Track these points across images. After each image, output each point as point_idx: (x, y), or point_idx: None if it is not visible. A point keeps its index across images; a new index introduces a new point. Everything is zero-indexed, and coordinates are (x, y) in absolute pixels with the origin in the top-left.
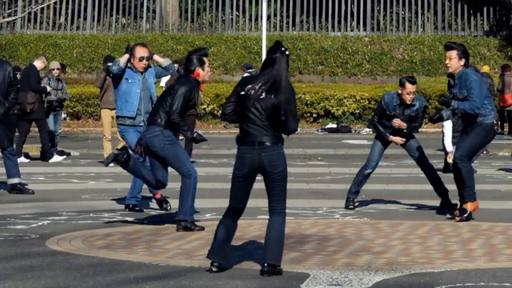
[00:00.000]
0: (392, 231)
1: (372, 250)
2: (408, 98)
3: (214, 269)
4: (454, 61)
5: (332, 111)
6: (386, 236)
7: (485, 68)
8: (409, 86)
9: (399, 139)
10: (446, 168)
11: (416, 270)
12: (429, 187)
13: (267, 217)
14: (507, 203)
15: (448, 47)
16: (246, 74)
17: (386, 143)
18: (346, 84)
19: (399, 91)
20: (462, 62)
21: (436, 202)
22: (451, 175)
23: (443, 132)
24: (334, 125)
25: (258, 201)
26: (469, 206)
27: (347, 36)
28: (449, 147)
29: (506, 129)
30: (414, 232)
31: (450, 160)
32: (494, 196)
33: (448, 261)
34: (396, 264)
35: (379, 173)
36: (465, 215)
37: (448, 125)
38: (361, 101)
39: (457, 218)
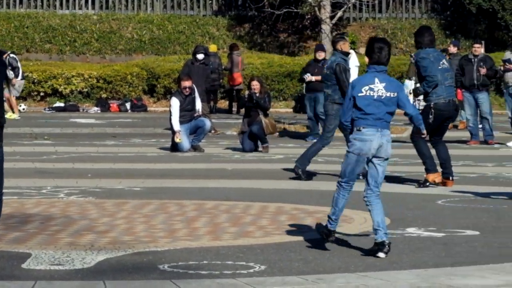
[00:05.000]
0: (117, 210)
1: (96, 229)
2: None
3: None
4: None
5: (60, 89)
6: (111, 215)
7: (212, 47)
8: None
9: None
10: (174, 147)
11: (139, 249)
12: (157, 166)
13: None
14: (233, 181)
15: None
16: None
17: None
18: (74, 63)
19: None
20: None
21: (161, 182)
22: (179, 153)
23: (170, 112)
24: (62, 104)
25: None
26: (430, 177)
27: (76, 14)
28: (177, 126)
29: (234, 108)
30: (138, 211)
31: (178, 140)
32: (221, 175)
33: (172, 239)
34: (119, 243)
35: (106, 152)
36: (423, 184)
37: (175, 105)
38: (90, 79)
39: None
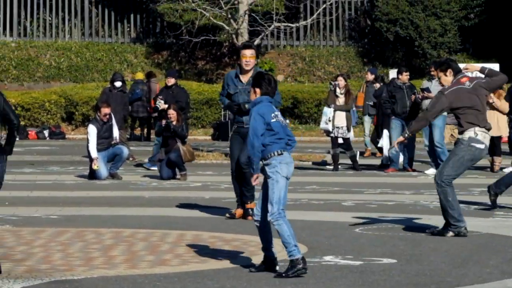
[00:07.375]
0: (34, 238)
1: (12, 258)
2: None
3: None
4: (254, 59)
5: None
6: (28, 243)
7: (139, 75)
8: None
9: None
10: (91, 175)
11: (56, 278)
12: (75, 193)
13: None
14: (151, 209)
15: (247, 47)
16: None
17: None
18: None
19: None
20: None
21: (78, 210)
22: (97, 181)
23: (88, 139)
24: None
25: None
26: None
27: None
28: (94, 153)
29: (153, 136)
30: (55, 239)
31: (95, 167)
32: (139, 203)
33: (88, 268)
34: (36, 271)
35: (24, 180)
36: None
37: (92, 132)
38: None
39: (250, 218)
